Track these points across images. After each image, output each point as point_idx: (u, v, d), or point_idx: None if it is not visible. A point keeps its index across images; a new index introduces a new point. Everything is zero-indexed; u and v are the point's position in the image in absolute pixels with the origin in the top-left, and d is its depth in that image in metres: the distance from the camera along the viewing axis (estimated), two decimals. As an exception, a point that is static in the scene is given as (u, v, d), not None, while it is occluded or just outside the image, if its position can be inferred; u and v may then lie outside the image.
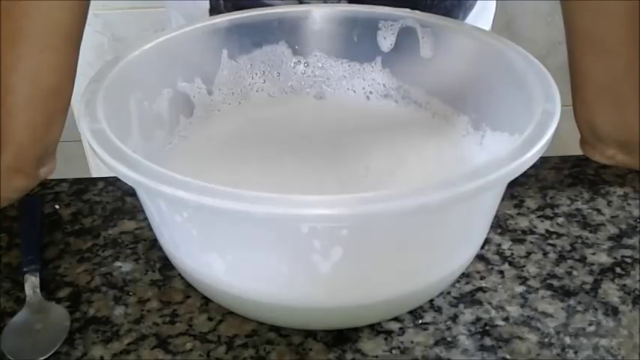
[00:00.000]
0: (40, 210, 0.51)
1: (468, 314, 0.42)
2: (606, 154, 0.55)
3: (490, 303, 0.43)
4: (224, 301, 0.40)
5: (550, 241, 0.48)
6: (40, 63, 0.50)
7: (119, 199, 0.53)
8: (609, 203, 0.52)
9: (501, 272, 0.45)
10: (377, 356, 0.39)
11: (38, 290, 0.43)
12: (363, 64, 0.54)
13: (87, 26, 0.53)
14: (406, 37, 0.51)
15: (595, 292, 0.43)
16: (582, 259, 0.46)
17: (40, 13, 0.49)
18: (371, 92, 0.54)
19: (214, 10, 0.60)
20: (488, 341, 0.40)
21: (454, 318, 0.42)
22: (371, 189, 0.30)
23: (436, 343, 0.40)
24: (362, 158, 0.47)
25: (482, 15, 0.67)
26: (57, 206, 0.53)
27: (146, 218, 0.44)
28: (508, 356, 0.39)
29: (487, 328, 0.41)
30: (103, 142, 0.35)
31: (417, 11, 0.51)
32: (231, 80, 0.53)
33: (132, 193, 0.53)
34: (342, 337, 0.40)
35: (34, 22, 0.49)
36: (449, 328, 0.41)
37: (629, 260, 0.46)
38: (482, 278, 0.45)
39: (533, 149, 0.33)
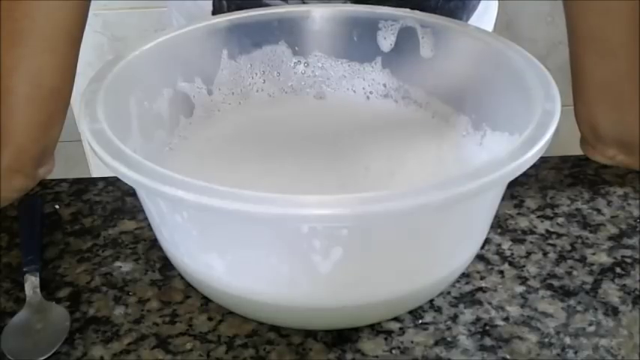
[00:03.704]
0: (40, 210, 0.51)
1: (468, 314, 0.42)
2: (606, 155, 0.55)
3: (490, 303, 0.43)
4: (224, 301, 0.40)
5: (550, 241, 0.48)
6: (40, 64, 0.50)
7: (119, 199, 0.53)
8: (609, 203, 0.52)
9: (501, 272, 0.45)
10: (377, 356, 0.39)
11: (38, 290, 0.43)
12: (363, 64, 0.54)
13: (87, 26, 0.53)
14: (406, 37, 0.51)
15: (595, 292, 0.43)
16: (582, 259, 0.46)
17: (41, 14, 0.49)
18: (371, 92, 0.54)
19: (217, 12, 0.60)
20: (488, 341, 0.40)
21: (454, 318, 0.42)
22: (371, 189, 0.30)
23: (436, 343, 0.40)
24: (362, 158, 0.47)
25: (484, 16, 0.67)
26: (57, 206, 0.53)
27: (146, 218, 0.44)
28: (508, 356, 0.39)
29: (487, 328, 0.41)
30: (103, 142, 0.35)
31: (416, 11, 0.51)
32: (231, 80, 0.53)
33: (132, 193, 0.53)
34: (342, 337, 0.40)
35: (35, 23, 0.49)
36: (449, 328, 0.41)
37: (629, 260, 0.46)
38: (482, 278, 0.45)
39: (533, 149, 0.33)
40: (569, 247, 0.47)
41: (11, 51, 0.49)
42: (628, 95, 0.52)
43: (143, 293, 0.44)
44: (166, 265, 0.46)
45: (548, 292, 0.43)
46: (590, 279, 0.45)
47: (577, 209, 0.51)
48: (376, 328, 0.41)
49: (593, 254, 0.47)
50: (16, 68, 0.49)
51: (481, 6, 0.64)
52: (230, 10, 0.58)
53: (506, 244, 0.48)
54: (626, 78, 0.52)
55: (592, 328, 0.41)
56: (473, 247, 0.41)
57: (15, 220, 0.51)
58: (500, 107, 0.45)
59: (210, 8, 0.61)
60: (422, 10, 0.51)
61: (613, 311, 0.42)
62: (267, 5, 0.54)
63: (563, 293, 0.43)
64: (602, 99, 0.53)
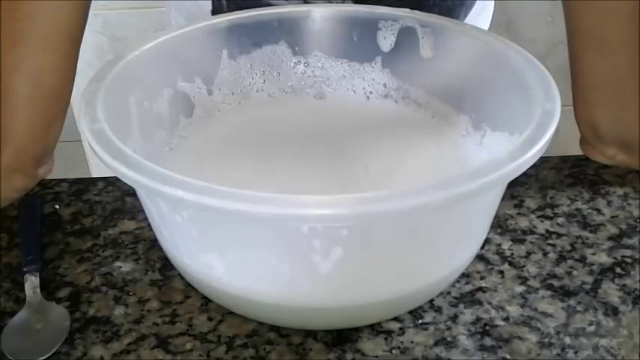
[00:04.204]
0: (40, 210, 0.51)
1: (468, 314, 0.42)
2: (606, 154, 0.55)
3: (490, 303, 0.43)
4: (224, 301, 0.40)
5: (550, 241, 0.48)
6: (41, 64, 0.50)
7: (119, 199, 0.53)
8: (609, 203, 0.52)
9: (501, 272, 0.45)
10: (377, 356, 0.39)
11: (38, 290, 0.43)
12: (363, 64, 0.54)
13: (87, 26, 0.53)
14: (406, 37, 0.51)
15: (595, 292, 0.43)
16: (582, 259, 0.46)
17: (42, 14, 0.49)
18: (371, 92, 0.54)
19: (217, 11, 0.60)
20: (488, 341, 0.40)
21: (454, 318, 0.42)
22: (371, 189, 0.30)
23: (436, 343, 0.40)
24: (362, 158, 0.47)
25: (481, 15, 0.67)
26: (57, 206, 0.53)
27: (146, 218, 0.44)
28: (508, 356, 0.39)
29: (487, 328, 0.41)
30: (103, 142, 0.35)
31: (416, 11, 0.51)
32: (231, 80, 0.53)
33: (132, 193, 0.53)
34: (342, 337, 0.40)
35: (36, 23, 0.49)
36: (449, 328, 0.41)
37: (629, 260, 0.46)
38: (482, 278, 0.45)
39: (533, 149, 0.33)
40: (569, 247, 0.47)
41: (12, 51, 0.49)
42: (628, 94, 0.52)
43: (143, 293, 0.44)
44: (166, 265, 0.46)
45: (548, 292, 0.43)
46: (590, 279, 0.45)
47: (577, 209, 0.51)
48: (376, 328, 0.41)
49: (593, 254, 0.47)
50: (16, 68, 0.49)
51: (477, 5, 0.64)
52: (230, 9, 0.58)
53: (506, 244, 0.48)
54: (626, 76, 0.52)
55: (592, 328, 0.41)
56: (473, 247, 0.41)
57: (15, 220, 0.51)
58: (500, 107, 0.45)
59: (210, 8, 0.61)
60: (420, 8, 0.51)
61: (613, 311, 0.42)
62: (267, 5, 0.54)
63: (563, 293, 0.43)
64: (602, 98, 0.53)
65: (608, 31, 0.51)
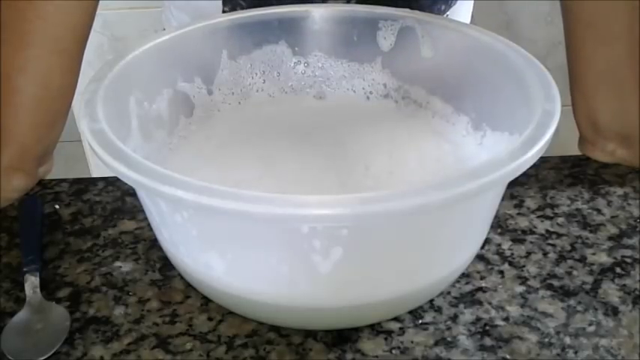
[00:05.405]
0: (40, 210, 0.51)
1: (468, 314, 0.42)
2: (606, 150, 0.55)
3: (490, 303, 0.43)
4: (224, 301, 0.40)
5: (550, 241, 0.48)
6: (50, 65, 0.50)
7: (119, 199, 0.53)
8: (609, 203, 0.52)
9: (501, 272, 0.45)
10: (377, 356, 0.39)
11: (38, 290, 0.43)
12: (363, 64, 0.54)
13: (87, 26, 0.53)
14: (406, 37, 0.51)
15: (595, 292, 0.43)
16: (582, 259, 0.46)
17: (54, 16, 0.49)
18: (371, 92, 0.54)
19: (229, 3, 0.60)
20: (488, 341, 0.40)
21: (454, 318, 0.42)
22: (371, 189, 0.30)
23: (436, 343, 0.40)
24: (362, 158, 0.47)
25: (459, 12, 0.67)
26: (57, 206, 0.53)
27: (146, 218, 0.44)
28: (508, 356, 0.39)
29: (487, 328, 0.41)
30: (103, 142, 0.35)
31: (416, 11, 0.51)
32: (231, 80, 0.53)
33: (132, 193, 0.53)
34: (342, 337, 0.40)
35: (47, 23, 0.49)
36: (449, 328, 0.41)
37: (629, 260, 0.46)
38: (482, 278, 0.45)
39: (533, 149, 0.34)
40: (569, 247, 0.47)
41: (20, 51, 0.49)
42: (628, 83, 0.52)
43: (143, 293, 0.44)
44: (166, 265, 0.46)
45: (548, 292, 0.43)
46: (590, 279, 0.45)
47: (577, 209, 0.51)
48: (376, 328, 0.41)
49: (593, 254, 0.47)
50: (24, 69, 0.49)
51: (458, 4, 0.65)
52: (245, 1, 0.58)
53: (506, 244, 0.48)
54: (626, 66, 0.51)
55: (592, 328, 0.41)
56: (473, 247, 0.41)
57: (15, 220, 0.51)
58: (500, 107, 0.45)
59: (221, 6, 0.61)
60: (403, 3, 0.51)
61: (613, 311, 0.42)
62: (278, 2, 0.53)
63: (563, 293, 0.43)
64: (602, 89, 0.53)
65: (608, 20, 0.51)
